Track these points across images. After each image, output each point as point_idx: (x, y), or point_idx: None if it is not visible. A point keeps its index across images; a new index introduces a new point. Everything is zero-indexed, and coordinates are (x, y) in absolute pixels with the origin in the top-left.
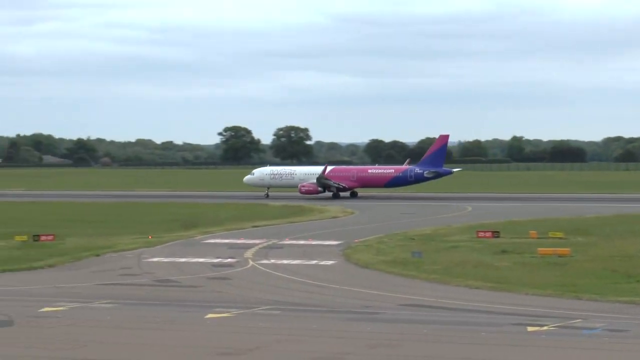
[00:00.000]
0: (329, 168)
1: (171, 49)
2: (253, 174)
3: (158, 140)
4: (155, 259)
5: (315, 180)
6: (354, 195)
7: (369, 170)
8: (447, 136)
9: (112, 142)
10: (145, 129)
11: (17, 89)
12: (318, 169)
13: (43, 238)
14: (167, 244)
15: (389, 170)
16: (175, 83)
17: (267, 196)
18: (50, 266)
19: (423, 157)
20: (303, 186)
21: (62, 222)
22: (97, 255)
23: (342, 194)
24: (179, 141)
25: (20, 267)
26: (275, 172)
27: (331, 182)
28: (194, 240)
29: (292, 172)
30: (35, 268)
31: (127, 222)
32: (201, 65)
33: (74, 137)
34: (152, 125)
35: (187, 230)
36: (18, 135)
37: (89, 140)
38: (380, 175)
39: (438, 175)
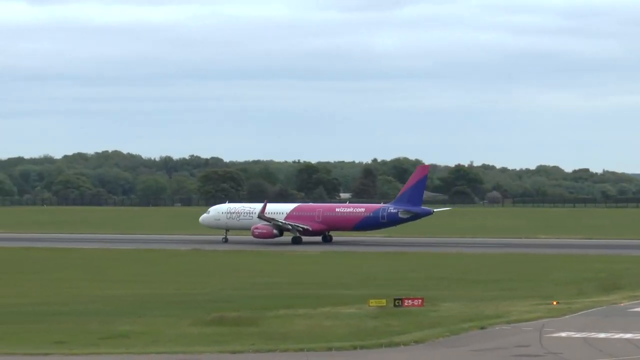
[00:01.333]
0: (293, 206)
1: (588, 41)
2: (209, 212)
3: (568, 167)
4: (563, 334)
5: (275, 222)
6: (326, 240)
7: (337, 210)
8: (427, 167)
9: (503, 170)
10: (552, 152)
11: (371, 96)
12: (283, 207)
13: (407, 303)
14: (579, 313)
15: (359, 209)
16: (590, 86)
17: (226, 240)
18: (417, 342)
19: (399, 193)
20: (256, 228)
21: (432, 281)
22: (482, 328)
23: (308, 238)
24: (597, 169)
25: (378, 343)
26: (233, 211)
27: (281, 222)
28: (617, 308)
29: (251, 210)
30: (397, 344)
31: (522, 281)
32: (631, 63)
33: (451, 164)
34: (562, 146)
35: (608, 293)
36: (375, 161)
37: (471, 167)
38: (349, 215)
39: (416, 217)
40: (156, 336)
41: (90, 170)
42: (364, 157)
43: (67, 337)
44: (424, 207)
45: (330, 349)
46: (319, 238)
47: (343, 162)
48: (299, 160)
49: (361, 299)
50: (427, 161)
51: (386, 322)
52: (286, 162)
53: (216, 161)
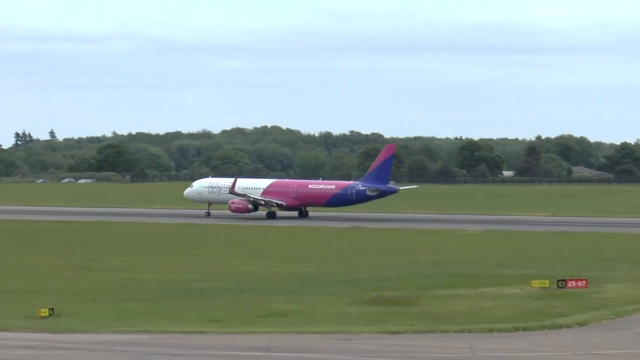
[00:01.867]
0: (270, 181)
1: None
2: (192, 186)
3: None
4: None
5: (247, 197)
6: (302, 215)
7: (309, 186)
8: (393, 146)
9: None
10: None
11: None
12: (260, 182)
13: (571, 284)
14: None
15: (330, 186)
16: None
17: (208, 214)
18: (580, 324)
19: (368, 171)
20: (233, 203)
21: (596, 261)
22: None
23: (286, 213)
24: None
25: (540, 325)
26: (214, 185)
27: (253, 198)
28: None
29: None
30: (560, 326)
31: None
32: None
33: (617, 142)
34: None
35: None
36: (539, 138)
37: (637, 145)
38: (320, 191)
39: (382, 194)
40: (314, 315)
41: (249, 145)
42: (528, 134)
43: (223, 314)
44: (390, 185)
45: (491, 330)
46: (295, 213)
47: (506, 139)
48: (460, 136)
49: (523, 280)
50: (592, 139)
51: (549, 303)
52: (448, 138)
53: (376, 137)
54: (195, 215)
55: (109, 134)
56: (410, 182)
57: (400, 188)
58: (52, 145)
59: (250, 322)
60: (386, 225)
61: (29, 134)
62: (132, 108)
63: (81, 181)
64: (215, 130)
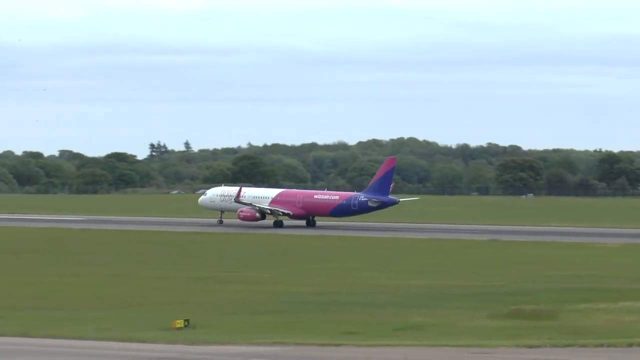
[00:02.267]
0: (278, 191)
1: None
2: (205, 194)
3: None
4: None
5: (261, 205)
6: (310, 224)
7: (315, 196)
8: (394, 159)
9: None
10: None
11: None
12: (269, 192)
13: None
14: None
15: (334, 196)
16: None
17: (221, 222)
18: None
19: (370, 183)
20: (242, 211)
21: None
22: None
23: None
24: None
25: None
26: (226, 194)
27: (259, 207)
28: None
29: (242, 193)
30: None
31: None
32: None
33: None
34: None
35: None
36: None
37: None
38: (325, 202)
39: (383, 205)
40: (450, 328)
41: (385, 157)
42: None
43: (359, 327)
44: (391, 197)
45: (631, 344)
46: (302, 222)
47: None
48: (600, 149)
49: None
50: None
51: None
52: (587, 151)
53: (514, 149)
54: (330, 226)
55: (244, 145)
56: (549, 194)
57: (402, 200)
58: (187, 156)
59: (386, 335)
60: (523, 238)
61: (164, 145)
62: (267, 119)
63: None
64: (352, 141)
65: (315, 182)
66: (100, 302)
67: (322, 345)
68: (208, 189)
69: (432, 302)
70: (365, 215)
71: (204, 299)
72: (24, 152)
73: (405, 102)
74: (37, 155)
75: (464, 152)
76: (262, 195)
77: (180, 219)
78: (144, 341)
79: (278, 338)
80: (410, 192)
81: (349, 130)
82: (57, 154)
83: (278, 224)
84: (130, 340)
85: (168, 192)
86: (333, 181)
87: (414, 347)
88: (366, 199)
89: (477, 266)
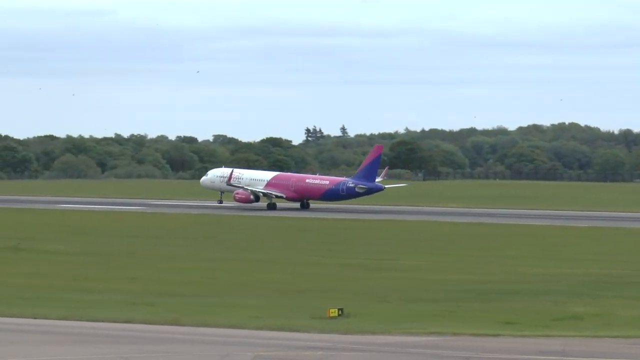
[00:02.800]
0: (274, 174)
1: None
2: (207, 175)
3: None
4: None
5: (253, 188)
6: (304, 207)
7: (307, 180)
8: (381, 147)
9: None
10: None
11: None
12: (265, 175)
13: None
14: None
15: (324, 181)
16: None
17: (221, 202)
18: None
19: (358, 169)
20: (237, 193)
21: None
22: None
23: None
24: None
25: None
26: (226, 175)
27: (251, 190)
28: None
29: (240, 175)
30: None
31: None
32: None
33: None
34: None
35: None
36: None
37: None
38: (316, 186)
39: (369, 191)
40: (610, 319)
41: (546, 142)
42: None
43: (518, 317)
44: (377, 183)
45: None
46: (297, 205)
47: None
48: None
49: None
50: None
51: None
52: None
53: None
54: (485, 214)
55: (401, 130)
56: None
57: (388, 186)
58: (343, 141)
59: (545, 325)
60: None
61: (320, 130)
62: (424, 104)
63: None
64: (511, 126)
65: (473, 167)
66: (252, 289)
67: (479, 335)
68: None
69: (592, 291)
70: (522, 200)
71: (356, 286)
72: (178, 136)
73: (566, 87)
74: (191, 140)
75: (627, 138)
76: (258, 177)
77: (326, 204)
78: (297, 330)
79: (434, 328)
80: (571, 179)
81: (509, 115)
82: (211, 138)
83: (271, 206)
84: (282, 328)
85: None
86: (492, 167)
87: (572, 338)
88: (354, 185)
89: (638, 254)
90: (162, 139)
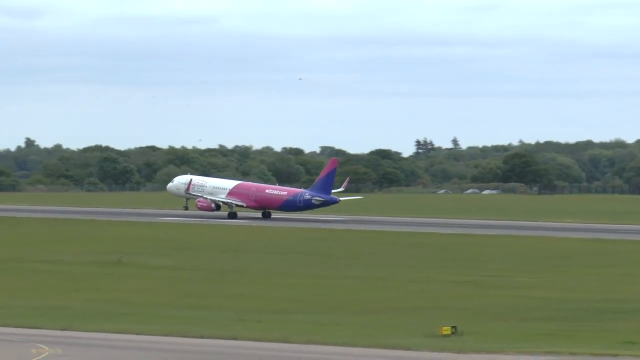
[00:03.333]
0: (235, 183)
1: None
2: (173, 182)
3: None
4: None
5: (217, 196)
6: (265, 215)
7: (266, 191)
8: (336, 160)
9: None
10: None
11: None
12: (227, 183)
13: None
14: None
15: (282, 192)
16: None
17: (186, 209)
18: None
19: (315, 182)
20: (199, 201)
21: None
22: None
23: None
24: None
25: None
26: (186, 182)
27: (210, 199)
28: None
29: (204, 183)
30: None
31: None
32: None
33: None
34: None
35: None
36: None
37: None
38: (274, 197)
39: (325, 204)
40: None
41: None
42: None
43: (638, 337)
44: (332, 196)
45: None
46: (258, 214)
47: None
48: None
49: None
50: None
51: None
52: None
53: None
54: (603, 230)
55: (515, 143)
56: None
57: (342, 199)
58: (454, 154)
59: None
60: None
61: (431, 142)
62: (539, 116)
63: (485, 192)
64: (630, 139)
65: (590, 182)
66: (361, 306)
67: (598, 355)
68: (481, 189)
69: None
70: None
71: (469, 304)
72: (284, 148)
73: None
74: (297, 152)
75: None
76: (220, 186)
77: (438, 219)
78: (409, 348)
79: (551, 347)
80: None
81: (628, 128)
82: (318, 150)
83: (232, 215)
84: (394, 347)
85: (434, 192)
86: (610, 181)
87: None
88: (310, 197)
89: None
90: (267, 150)
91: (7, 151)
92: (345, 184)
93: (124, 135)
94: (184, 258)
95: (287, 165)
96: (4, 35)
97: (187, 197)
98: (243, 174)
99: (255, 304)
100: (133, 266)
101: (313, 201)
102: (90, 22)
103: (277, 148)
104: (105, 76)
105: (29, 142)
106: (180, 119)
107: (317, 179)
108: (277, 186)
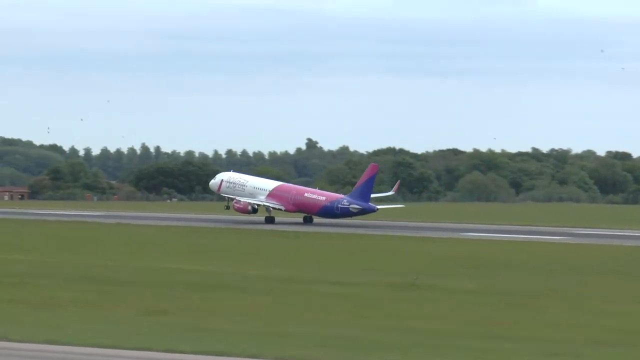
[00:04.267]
0: (276, 184)
1: None
2: (215, 178)
3: None
4: None
5: (256, 197)
6: (307, 221)
7: (305, 194)
8: (376, 166)
9: None
10: None
11: None
12: (268, 184)
13: None
14: None
15: (321, 197)
16: None
17: (227, 208)
18: None
19: (354, 188)
20: (236, 203)
21: None
22: None
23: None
24: None
25: None
26: (231, 180)
27: (242, 200)
28: None
29: (244, 182)
30: None
31: None
32: None
33: None
34: None
35: None
36: None
37: None
38: (313, 201)
39: (363, 212)
40: None
41: None
42: None
43: None
44: (370, 204)
45: None
46: (299, 219)
47: None
48: None
49: None
50: None
51: None
52: None
53: None
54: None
55: None
56: None
57: (383, 207)
58: None
59: None
60: None
61: None
62: None
63: None
64: None
65: None
66: None
67: None
68: None
69: None
70: None
71: None
72: (608, 152)
73: None
74: (624, 157)
75: None
76: (261, 186)
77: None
78: None
79: None
80: None
81: None
82: None
83: (269, 220)
84: None
85: None
86: None
87: None
88: (348, 204)
89: None
90: (588, 154)
91: (286, 154)
92: (395, 187)
93: (421, 136)
94: (487, 279)
95: (611, 172)
96: (288, 19)
97: (227, 197)
98: (560, 183)
99: (576, 335)
100: (430, 289)
101: (350, 209)
102: (383, 3)
103: (601, 152)
104: (398, 65)
105: (311, 144)
106: (485, 116)
107: (356, 185)
108: (316, 190)
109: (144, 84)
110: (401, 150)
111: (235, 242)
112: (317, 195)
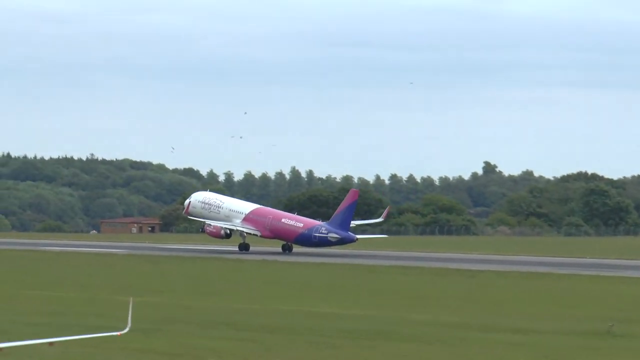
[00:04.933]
0: (253, 207)
1: None
2: (190, 197)
3: None
4: None
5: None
6: (286, 249)
7: (282, 220)
8: (357, 191)
9: None
10: None
11: None
12: (244, 206)
13: None
14: None
15: (299, 223)
16: None
17: (203, 230)
18: None
19: (333, 215)
20: (209, 226)
21: None
22: None
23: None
24: None
25: None
26: (206, 201)
27: (212, 224)
28: None
29: (220, 204)
30: None
31: None
32: None
33: None
34: None
35: None
36: None
37: None
38: (290, 228)
39: (342, 241)
40: None
41: None
42: None
43: None
44: (350, 234)
45: None
46: (277, 248)
47: None
48: None
49: None
50: None
51: None
52: None
53: None
54: None
55: None
56: None
57: (363, 237)
58: None
59: None
60: None
61: None
62: None
63: None
64: None
65: None
66: None
67: None
68: None
69: None
70: None
71: None
72: None
73: None
74: None
75: None
76: (237, 209)
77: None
78: None
79: None
80: None
81: None
82: None
83: (243, 247)
84: None
85: None
86: None
87: None
88: (326, 233)
89: None
90: None
91: (459, 180)
92: (385, 213)
93: (618, 159)
94: None
95: None
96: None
97: (203, 218)
98: None
99: None
100: (626, 338)
101: (329, 238)
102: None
103: None
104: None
105: (489, 168)
106: None
107: (336, 212)
108: (294, 215)
109: (291, 98)
110: (594, 176)
111: (390, 280)
112: (295, 221)
